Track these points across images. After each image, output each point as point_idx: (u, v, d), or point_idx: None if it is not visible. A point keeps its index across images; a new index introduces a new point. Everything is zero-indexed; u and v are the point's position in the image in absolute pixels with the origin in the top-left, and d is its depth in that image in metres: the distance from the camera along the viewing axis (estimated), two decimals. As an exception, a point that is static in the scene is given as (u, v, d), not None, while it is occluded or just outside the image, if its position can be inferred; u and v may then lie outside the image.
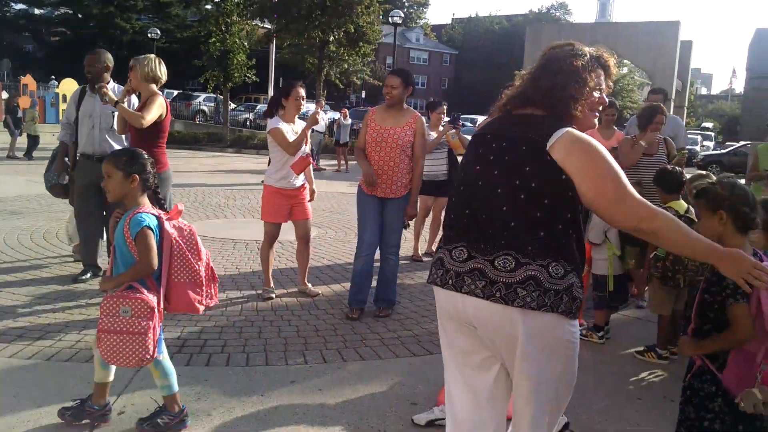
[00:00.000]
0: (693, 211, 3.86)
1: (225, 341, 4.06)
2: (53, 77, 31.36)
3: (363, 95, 46.28)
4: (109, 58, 5.29)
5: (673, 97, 20.77)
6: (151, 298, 2.68)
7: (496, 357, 2.03)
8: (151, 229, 2.70)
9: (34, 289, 4.89)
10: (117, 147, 4.92)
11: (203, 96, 33.45)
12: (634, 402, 3.51)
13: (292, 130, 4.97)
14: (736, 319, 2.21)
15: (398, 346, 4.15)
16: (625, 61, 27.63)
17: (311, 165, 5.14)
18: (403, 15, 27.38)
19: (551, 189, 1.88)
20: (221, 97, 32.07)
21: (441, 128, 6.80)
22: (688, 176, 4.15)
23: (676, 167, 4.42)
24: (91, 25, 44.76)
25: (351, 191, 11.80)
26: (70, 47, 46.98)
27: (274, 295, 5.02)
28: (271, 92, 26.63)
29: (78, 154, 5.26)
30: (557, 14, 67.99)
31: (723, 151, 26.49)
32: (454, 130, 6.61)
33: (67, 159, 5.44)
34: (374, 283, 4.89)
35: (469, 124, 23.52)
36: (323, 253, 6.78)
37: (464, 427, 2.09)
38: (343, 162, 17.16)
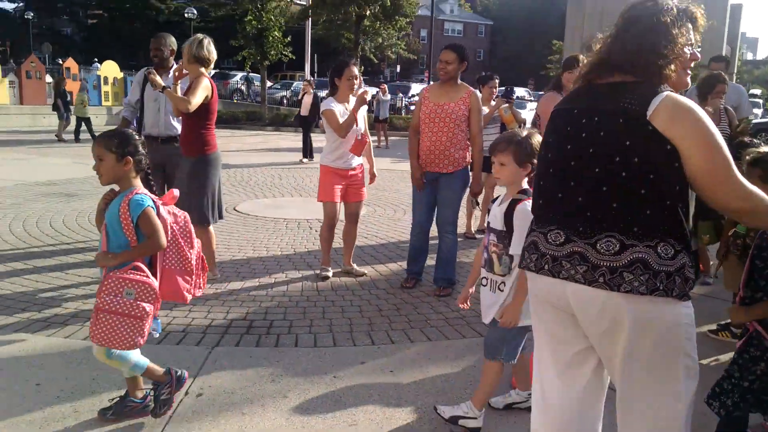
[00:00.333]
0: None
1: (290, 322, 4.08)
2: (96, 60, 31.84)
3: (398, 69, 45.88)
4: (173, 42, 5.32)
5: (722, 63, 20.00)
6: (155, 283, 2.61)
7: (593, 349, 1.93)
8: (153, 209, 2.63)
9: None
10: (180, 129, 4.96)
11: (240, 75, 33.58)
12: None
13: (345, 110, 4.92)
14: None
15: (464, 327, 4.11)
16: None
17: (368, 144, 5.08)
18: (439, -14, 26.82)
19: (656, 162, 1.73)
20: (252, 75, 32.19)
21: (493, 103, 6.67)
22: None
23: (754, 139, 4.23)
24: (127, 6, 45.25)
25: (394, 168, 11.76)
26: (107, 29, 47.75)
27: (330, 274, 5.03)
28: (307, 69, 26.59)
29: (142, 136, 5.33)
30: (596, -20, 65.95)
31: (773, 118, 25.51)
32: (507, 104, 6.48)
33: None
34: (434, 262, 4.87)
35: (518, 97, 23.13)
36: (375, 232, 6.76)
37: (558, 418, 2.01)
38: (383, 138, 17.08)
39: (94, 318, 2.56)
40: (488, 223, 2.82)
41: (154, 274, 2.67)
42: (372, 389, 3.21)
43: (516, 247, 2.60)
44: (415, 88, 30.57)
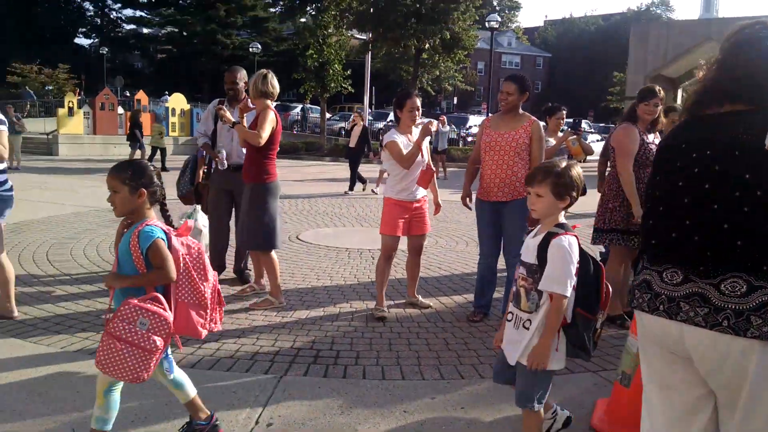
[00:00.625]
0: None
1: (357, 353, 4.03)
2: (166, 92, 33.28)
3: (455, 101, 46.05)
4: (245, 74, 5.52)
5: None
6: (171, 317, 2.53)
7: (710, 396, 1.79)
8: (163, 240, 2.55)
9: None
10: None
11: (300, 107, 34.40)
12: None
13: (408, 141, 4.89)
14: None
15: (535, 363, 3.97)
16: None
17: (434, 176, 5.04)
18: (499, 19, 26.93)
19: None
20: (308, 106, 32.90)
21: (560, 134, 6.55)
22: None
23: None
24: (194, 42, 47.24)
25: (454, 199, 11.67)
26: (176, 63, 49.89)
27: (386, 314, 4.81)
28: (366, 101, 26.97)
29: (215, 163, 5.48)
30: (658, 11, 65.08)
31: None
32: (575, 136, 6.35)
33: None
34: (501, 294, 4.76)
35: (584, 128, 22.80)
36: (438, 263, 6.68)
37: None
38: (441, 169, 17.05)
39: (102, 343, 2.46)
40: (520, 255, 2.68)
41: (169, 307, 2.59)
42: (443, 425, 3.11)
43: (546, 284, 2.46)
44: (473, 119, 30.57)
